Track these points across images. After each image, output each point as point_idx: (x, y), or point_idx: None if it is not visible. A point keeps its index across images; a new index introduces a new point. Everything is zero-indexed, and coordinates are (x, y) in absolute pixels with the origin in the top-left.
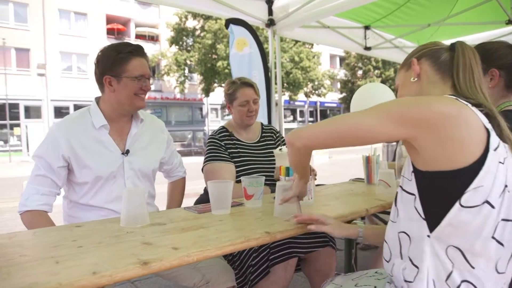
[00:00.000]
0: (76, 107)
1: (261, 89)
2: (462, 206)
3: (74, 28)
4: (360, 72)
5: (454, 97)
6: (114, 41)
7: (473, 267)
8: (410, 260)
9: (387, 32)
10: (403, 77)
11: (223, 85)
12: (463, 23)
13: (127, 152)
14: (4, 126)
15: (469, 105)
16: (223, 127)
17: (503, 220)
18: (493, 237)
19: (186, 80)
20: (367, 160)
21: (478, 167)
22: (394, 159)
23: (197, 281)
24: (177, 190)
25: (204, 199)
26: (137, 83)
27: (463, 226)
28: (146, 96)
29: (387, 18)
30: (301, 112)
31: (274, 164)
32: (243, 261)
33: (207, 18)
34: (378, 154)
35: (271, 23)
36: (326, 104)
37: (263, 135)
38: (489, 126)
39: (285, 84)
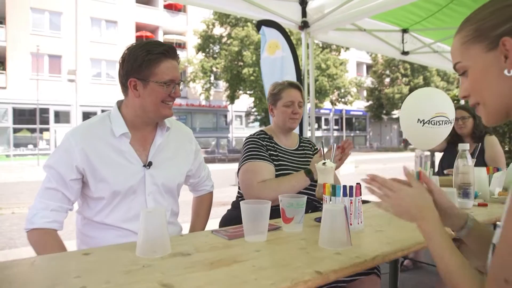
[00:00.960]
0: None
1: None
2: None
3: (104, 35)
4: (387, 80)
5: None
6: None
7: None
8: None
9: (426, 36)
10: (481, 60)
11: (248, 92)
12: None
13: (150, 164)
14: (34, 130)
15: None
16: (262, 131)
17: None
18: None
19: (212, 87)
20: (418, 176)
21: None
22: (435, 172)
23: None
24: (203, 207)
25: (232, 215)
26: (166, 89)
27: None
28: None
29: (426, 20)
30: (326, 120)
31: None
32: None
33: (234, 25)
34: (431, 169)
35: (304, 25)
36: (352, 112)
37: (301, 144)
38: None
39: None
